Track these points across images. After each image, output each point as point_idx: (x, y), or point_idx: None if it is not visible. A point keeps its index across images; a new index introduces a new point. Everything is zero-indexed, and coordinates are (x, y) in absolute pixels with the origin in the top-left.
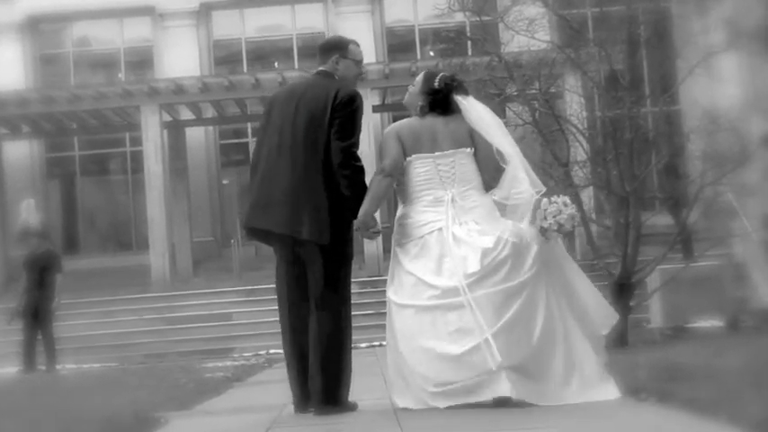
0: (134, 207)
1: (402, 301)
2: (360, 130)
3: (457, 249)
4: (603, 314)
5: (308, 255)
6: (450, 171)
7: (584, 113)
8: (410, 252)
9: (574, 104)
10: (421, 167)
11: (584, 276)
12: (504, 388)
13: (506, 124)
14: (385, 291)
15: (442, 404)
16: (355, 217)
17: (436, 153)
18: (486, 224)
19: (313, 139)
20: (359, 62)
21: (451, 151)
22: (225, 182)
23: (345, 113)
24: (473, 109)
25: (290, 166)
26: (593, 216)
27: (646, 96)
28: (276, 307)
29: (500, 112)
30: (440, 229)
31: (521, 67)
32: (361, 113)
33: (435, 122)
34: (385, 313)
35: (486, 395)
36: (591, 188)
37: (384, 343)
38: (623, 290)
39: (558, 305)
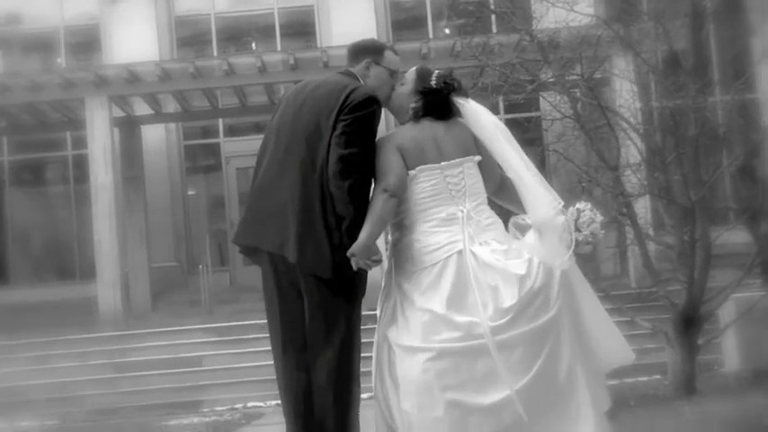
0: (77, 225)
1: (411, 342)
2: (372, 142)
3: (483, 276)
4: (617, 349)
5: (306, 288)
6: (459, 183)
7: (638, 104)
8: (422, 283)
9: (624, 93)
10: (427, 181)
11: (600, 305)
12: None
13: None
14: None
15: None
16: (353, 241)
17: (443, 163)
18: (508, 244)
19: (313, 148)
20: (394, 73)
21: (459, 160)
22: (191, 193)
23: (354, 117)
24: (476, 114)
25: (283, 177)
26: (651, 232)
27: (714, 83)
28: (254, 349)
29: (533, 103)
30: (459, 252)
31: (558, 47)
32: (377, 122)
33: (435, 128)
34: None
35: None
36: (647, 197)
37: None
38: (689, 324)
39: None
